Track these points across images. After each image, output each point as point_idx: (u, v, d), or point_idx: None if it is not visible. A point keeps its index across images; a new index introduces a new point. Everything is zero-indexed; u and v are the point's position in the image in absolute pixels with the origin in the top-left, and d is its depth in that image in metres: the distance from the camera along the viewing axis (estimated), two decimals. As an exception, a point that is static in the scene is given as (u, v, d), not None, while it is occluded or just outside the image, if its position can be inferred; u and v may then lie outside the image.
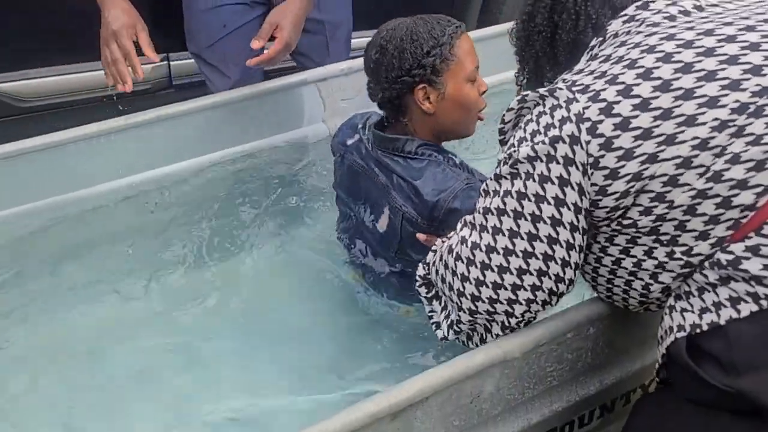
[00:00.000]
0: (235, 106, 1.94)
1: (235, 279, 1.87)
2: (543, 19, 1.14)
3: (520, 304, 1.10)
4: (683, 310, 0.97)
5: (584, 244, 1.07)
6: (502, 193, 1.08)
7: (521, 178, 1.05)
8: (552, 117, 1.02)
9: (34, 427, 1.47)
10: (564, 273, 1.07)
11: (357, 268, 1.70)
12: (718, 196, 0.94)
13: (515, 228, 1.06)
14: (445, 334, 1.24)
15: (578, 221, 1.04)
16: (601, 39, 1.08)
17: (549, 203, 1.03)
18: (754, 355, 0.90)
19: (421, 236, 1.38)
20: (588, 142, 0.98)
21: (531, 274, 1.07)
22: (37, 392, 1.53)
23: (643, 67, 0.98)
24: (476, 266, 1.11)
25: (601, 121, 0.97)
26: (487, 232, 1.10)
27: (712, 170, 0.93)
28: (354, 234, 1.67)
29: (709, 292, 0.95)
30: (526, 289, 1.09)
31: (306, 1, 1.85)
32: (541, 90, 1.06)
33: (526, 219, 1.05)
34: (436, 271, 1.21)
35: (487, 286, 1.10)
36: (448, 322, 1.23)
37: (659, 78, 0.96)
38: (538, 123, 1.04)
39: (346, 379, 1.57)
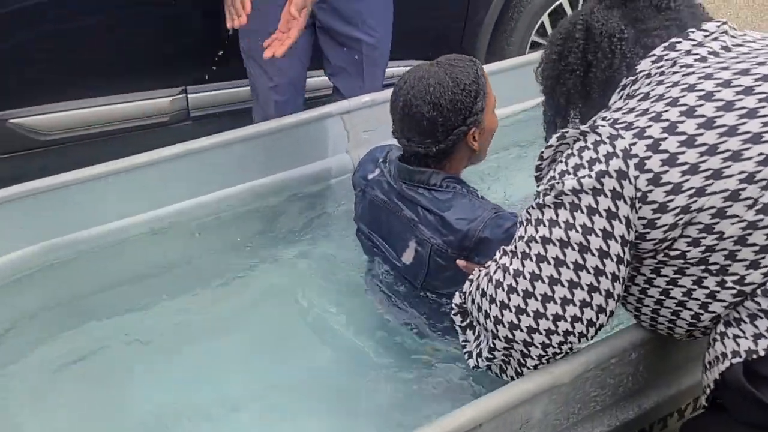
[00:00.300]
0: (263, 140, 1.98)
1: (262, 309, 1.89)
2: (576, 59, 1.18)
3: (558, 334, 1.11)
4: (735, 336, 1.01)
5: (626, 277, 1.10)
6: (547, 223, 1.10)
7: (566, 209, 1.08)
8: (596, 152, 1.06)
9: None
10: (606, 304, 1.10)
11: (381, 299, 1.71)
12: None
13: (561, 257, 1.09)
14: (477, 362, 1.25)
15: (624, 253, 1.07)
16: (633, 78, 1.13)
17: (597, 235, 1.06)
18: None
19: (461, 262, 1.41)
20: (636, 177, 1.02)
21: (574, 304, 1.09)
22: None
23: (685, 105, 1.02)
24: (518, 294, 1.12)
25: (648, 157, 1.02)
26: (531, 260, 1.11)
27: (760, 202, 0.97)
28: (378, 267, 1.69)
29: (761, 318, 0.98)
30: (566, 320, 1.10)
31: None
32: (583, 126, 1.10)
33: (573, 249, 1.08)
34: (472, 300, 1.23)
35: (528, 315, 1.12)
36: (478, 351, 1.24)
37: (702, 116, 1.01)
38: (580, 158, 1.08)
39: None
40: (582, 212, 1.06)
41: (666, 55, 1.11)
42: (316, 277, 1.95)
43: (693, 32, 1.12)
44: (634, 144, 1.03)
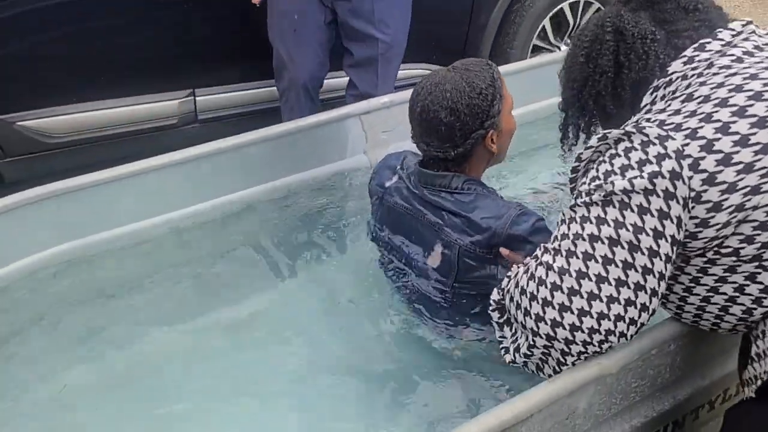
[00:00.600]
0: (282, 140, 1.99)
1: (281, 310, 1.89)
2: (608, 60, 1.20)
3: (600, 333, 1.11)
4: None
5: (669, 275, 1.11)
6: (594, 220, 1.10)
7: (615, 207, 1.08)
8: (645, 153, 1.07)
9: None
10: (650, 302, 1.10)
11: (405, 302, 1.71)
12: None
13: (610, 255, 1.08)
14: (513, 358, 1.26)
15: (672, 253, 1.08)
16: (667, 80, 1.14)
17: (648, 234, 1.06)
18: None
19: (504, 251, 1.42)
20: (690, 178, 1.04)
21: (619, 303, 1.09)
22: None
23: (736, 105, 1.05)
24: (562, 291, 1.12)
25: (703, 158, 1.04)
26: (577, 257, 1.11)
27: None
28: (400, 272, 1.69)
29: None
30: (609, 319, 1.10)
31: None
32: (628, 127, 1.11)
33: (623, 247, 1.08)
34: (511, 298, 1.23)
35: (572, 313, 1.11)
36: (515, 346, 1.25)
37: (754, 115, 1.03)
38: (628, 159, 1.08)
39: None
40: (632, 211, 1.07)
41: (697, 56, 1.13)
42: (336, 275, 1.96)
43: (721, 32, 1.15)
44: (687, 145, 1.04)
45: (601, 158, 1.14)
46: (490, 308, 1.32)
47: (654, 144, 1.06)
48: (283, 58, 2.45)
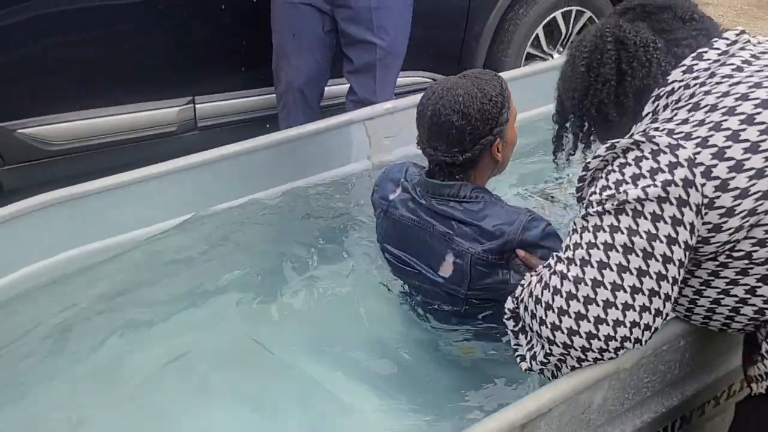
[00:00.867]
0: (287, 146, 2.02)
1: (285, 314, 1.90)
2: (610, 69, 1.22)
3: (616, 340, 1.13)
4: None
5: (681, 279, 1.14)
6: (607, 229, 1.11)
7: (629, 215, 1.10)
8: (657, 162, 1.09)
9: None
10: (664, 307, 1.12)
11: (413, 311, 1.72)
12: None
13: (624, 263, 1.10)
14: (530, 365, 1.27)
15: (685, 258, 1.11)
16: (669, 89, 1.17)
17: (661, 241, 1.09)
18: None
19: (520, 252, 1.45)
20: (703, 185, 1.07)
21: (634, 309, 1.11)
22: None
23: (744, 113, 1.08)
24: (578, 300, 1.13)
25: (715, 165, 1.07)
26: (592, 266, 1.12)
27: None
28: (410, 285, 1.70)
29: None
30: (625, 326, 1.11)
31: None
32: (636, 136, 1.13)
33: (637, 255, 1.10)
34: (525, 307, 1.24)
35: (589, 321, 1.13)
36: (531, 354, 1.26)
37: (763, 122, 1.07)
38: (639, 167, 1.11)
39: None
40: (646, 219, 1.09)
41: (696, 65, 1.16)
42: (341, 279, 1.97)
43: (716, 41, 1.18)
44: (698, 153, 1.08)
45: (609, 167, 1.16)
46: (505, 317, 1.32)
47: (665, 153, 1.09)
48: (281, 60, 2.49)
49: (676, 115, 1.14)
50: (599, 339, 1.13)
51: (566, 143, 1.53)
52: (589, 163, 1.20)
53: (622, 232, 1.10)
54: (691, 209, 1.08)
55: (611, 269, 1.11)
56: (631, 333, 1.12)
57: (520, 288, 1.28)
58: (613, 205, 1.11)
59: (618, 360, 1.20)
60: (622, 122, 1.24)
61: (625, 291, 1.11)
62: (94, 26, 2.48)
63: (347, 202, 2.13)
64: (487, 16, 3.06)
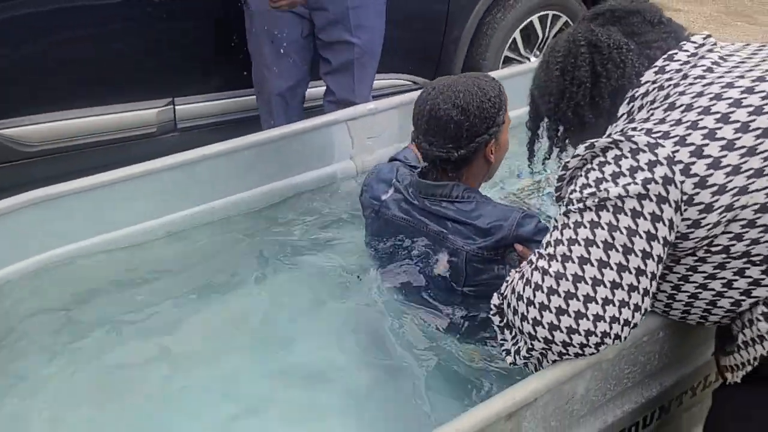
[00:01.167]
0: (270, 146, 2.02)
1: (268, 315, 1.90)
2: (585, 71, 1.25)
3: (596, 335, 1.14)
4: None
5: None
6: (588, 225, 1.14)
7: (609, 211, 1.13)
8: (636, 161, 1.12)
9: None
10: (642, 302, 1.15)
11: (402, 307, 1.72)
12: None
13: (605, 258, 1.12)
14: (514, 360, 1.29)
15: (663, 253, 1.14)
16: (643, 91, 1.21)
17: (641, 237, 1.11)
18: None
19: (518, 246, 1.48)
20: (682, 182, 1.10)
21: (614, 304, 1.13)
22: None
23: (719, 112, 1.12)
24: (559, 295, 1.15)
25: (693, 163, 1.10)
26: (573, 261, 1.14)
27: None
28: (400, 283, 1.70)
29: None
30: (605, 320, 1.13)
31: None
32: (615, 135, 1.16)
33: (617, 250, 1.12)
34: (508, 304, 1.25)
35: (569, 316, 1.14)
36: (516, 348, 1.28)
37: (737, 121, 1.11)
38: (618, 166, 1.14)
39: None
40: (626, 215, 1.12)
41: (667, 65, 1.20)
42: (323, 279, 1.98)
43: (685, 44, 1.23)
44: (677, 151, 1.11)
45: (589, 165, 1.18)
46: (491, 312, 1.33)
47: (644, 151, 1.12)
48: (262, 70, 2.49)
49: (652, 115, 1.18)
50: (579, 334, 1.15)
51: (538, 149, 1.58)
52: (568, 162, 1.23)
53: (603, 228, 1.13)
54: (670, 206, 1.11)
55: (592, 265, 1.13)
56: (611, 328, 1.14)
57: (505, 284, 1.29)
58: (593, 202, 1.14)
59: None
60: (598, 123, 1.27)
61: (605, 286, 1.13)
62: (72, 27, 2.46)
63: (330, 202, 2.14)
64: (465, 20, 3.10)
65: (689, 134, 1.12)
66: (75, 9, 2.45)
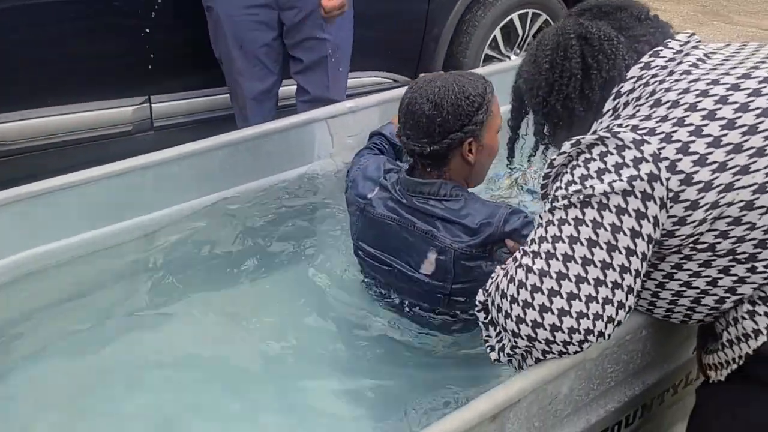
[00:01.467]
0: (249, 144, 2.00)
1: (253, 313, 1.88)
2: (576, 64, 1.24)
3: (579, 333, 1.13)
4: (767, 313, 1.12)
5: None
6: (572, 222, 1.13)
7: (594, 208, 1.12)
8: (622, 157, 1.11)
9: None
10: (626, 300, 1.14)
11: (387, 308, 1.72)
12: None
13: (589, 256, 1.12)
14: (498, 357, 1.28)
15: (648, 251, 1.13)
16: (630, 88, 1.20)
17: (625, 234, 1.11)
18: None
19: (509, 242, 1.48)
20: (668, 179, 1.10)
21: (597, 302, 1.12)
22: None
23: (705, 109, 1.11)
24: (543, 293, 1.14)
25: (679, 160, 1.10)
26: (557, 259, 1.13)
27: None
28: (386, 284, 1.70)
29: None
30: (588, 318, 1.12)
31: None
32: (601, 132, 1.15)
33: (601, 248, 1.11)
34: (492, 301, 1.24)
35: (553, 313, 1.13)
36: (500, 346, 1.27)
37: (723, 118, 1.10)
38: (604, 162, 1.13)
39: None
40: (611, 211, 1.11)
41: (653, 61, 1.20)
42: (305, 277, 1.96)
43: (670, 41, 1.22)
44: (663, 148, 1.10)
45: (574, 162, 1.18)
46: (476, 309, 1.32)
47: (630, 148, 1.11)
48: (233, 75, 2.46)
49: (638, 111, 1.17)
50: (563, 331, 1.14)
51: (518, 148, 1.57)
52: (554, 160, 1.22)
53: (587, 225, 1.12)
54: (655, 203, 1.10)
55: (576, 262, 1.12)
56: (594, 325, 1.13)
57: (490, 280, 1.28)
58: (578, 198, 1.13)
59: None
60: (586, 117, 1.26)
61: (589, 283, 1.12)
62: (46, 23, 2.41)
63: (311, 200, 2.12)
64: (445, 18, 3.09)
65: (675, 131, 1.11)
66: (50, 5, 2.40)
